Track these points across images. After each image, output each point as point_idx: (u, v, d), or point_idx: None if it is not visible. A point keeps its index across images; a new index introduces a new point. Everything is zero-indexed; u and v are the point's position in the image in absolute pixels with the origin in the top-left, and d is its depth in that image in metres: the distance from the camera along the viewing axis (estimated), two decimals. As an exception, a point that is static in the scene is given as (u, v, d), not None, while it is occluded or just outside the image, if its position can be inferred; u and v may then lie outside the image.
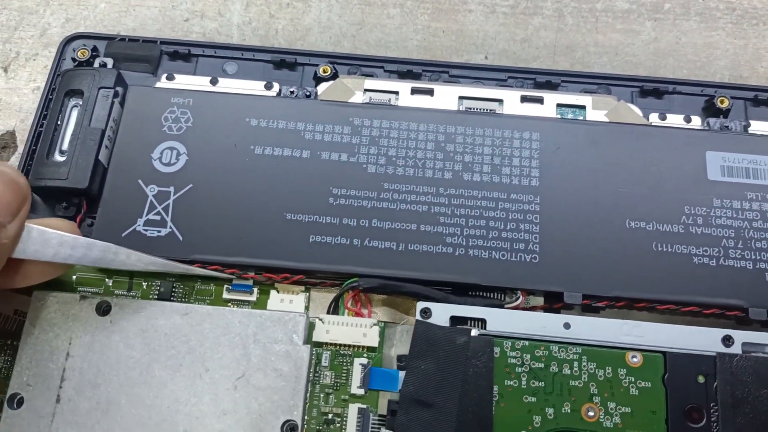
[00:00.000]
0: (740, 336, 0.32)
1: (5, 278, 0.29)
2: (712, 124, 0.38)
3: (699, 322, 0.34)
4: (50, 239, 0.29)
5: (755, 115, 0.39)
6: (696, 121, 0.38)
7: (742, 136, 0.37)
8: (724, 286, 0.34)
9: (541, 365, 0.32)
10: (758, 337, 0.32)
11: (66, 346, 0.32)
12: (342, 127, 0.36)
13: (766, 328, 0.34)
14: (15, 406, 0.31)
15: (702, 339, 0.32)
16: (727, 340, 0.32)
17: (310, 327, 0.33)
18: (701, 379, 0.32)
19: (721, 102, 0.38)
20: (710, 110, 0.39)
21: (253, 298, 0.34)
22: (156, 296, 0.34)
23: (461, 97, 0.38)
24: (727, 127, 0.38)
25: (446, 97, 0.38)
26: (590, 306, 0.34)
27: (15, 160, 0.39)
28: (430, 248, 0.34)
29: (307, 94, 0.38)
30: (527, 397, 0.32)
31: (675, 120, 0.38)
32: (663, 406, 0.31)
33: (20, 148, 0.39)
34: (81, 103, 0.37)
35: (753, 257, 0.34)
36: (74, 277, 0.35)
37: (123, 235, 0.34)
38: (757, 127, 0.38)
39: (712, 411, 0.31)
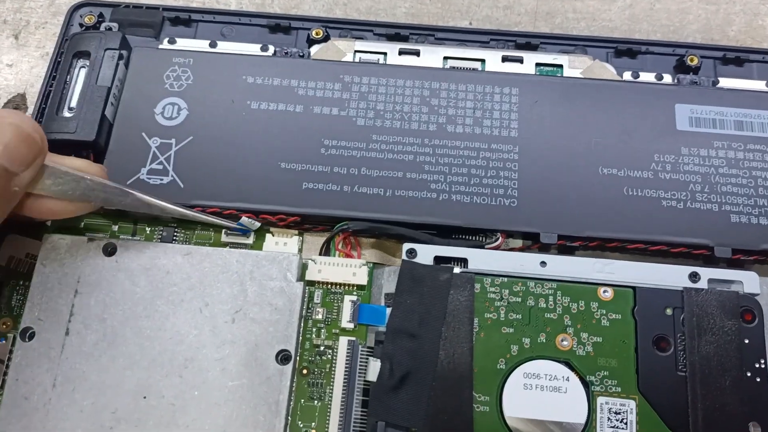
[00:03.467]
0: (706, 273, 0.35)
1: (28, 210, 0.32)
2: (681, 80, 0.40)
3: (667, 261, 0.36)
4: (68, 179, 0.32)
5: (724, 72, 0.41)
6: (667, 79, 0.40)
7: (710, 90, 0.39)
8: (691, 227, 0.36)
9: (519, 299, 0.34)
10: (724, 273, 0.35)
11: (75, 284, 0.34)
12: (333, 83, 0.39)
13: (731, 266, 0.36)
14: (27, 339, 0.34)
15: (670, 275, 0.35)
16: (694, 276, 0.35)
17: (303, 267, 0.35)
18: (669, 311, 0.34)
19: (691, 60, 0.41)
20: (681, 68, 0.41)
21: (250, 241, 0.37)
22: (159, 240, 0.37)
23: (446, 57, 0.41)
24: (696, 82, 0.40)
25: (432, 57, 0.41)
26: (565, 246, 0.36)
27: (26, 119, 0.41)
28: (416, 194, 0.36)
29: (301, 54, 0.40)
30: (505, 328, 0.34)
31: (647, 78, 0.40)
32: (632, 336, 0.34)
33: (30, 109, 0.42)
34: (88, 63, 0.39)
35: (719, 200, 0.36)
36: (82, 223, 0.37)
37: (128, 183, 0.36)
38: (726, 83, 0.40)
39: (678, 340, 0.33)
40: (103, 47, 0.39)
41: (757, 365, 0.33)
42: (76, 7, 0.42)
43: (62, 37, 0.41)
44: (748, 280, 0.34)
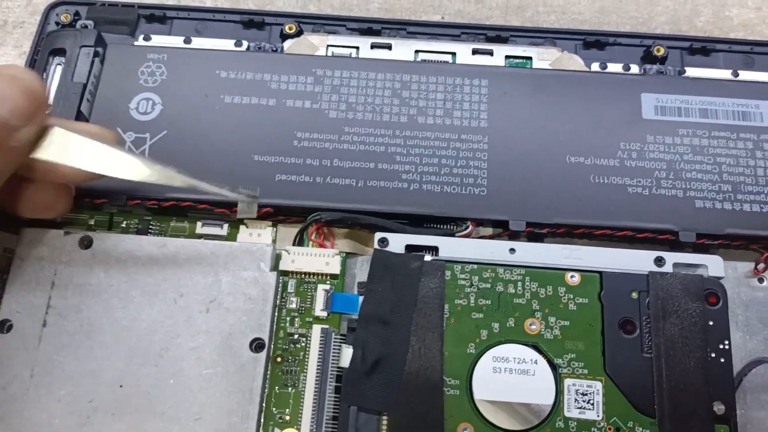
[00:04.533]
0: (672, 257, 0.35)
1: (39, 174, 0.31)
2: (648, 70, 0.41)
3: (633, 247, 0.36)
4: (73, 144, 0.30)
5: (691, 62, 0.42)
6: (635, 69, 0.41)
7: (676, 79, 0.40)
8: (656, 213, 0.36)
9: (488, 286, 0.35)
10: (689, 258, 0.35)
11: (52, 276, 0.35)
12: (305, 77, 0.39)
13: (696, 251, 0.37)
14: (5, 331, 0.34)
15: (636, 260, 0.35)
16: (659, 261, 0.35)
17: (277, 257, 0.36)
18: (635, 295, 0.35)
19: (658, 50, 0.41)
20: (648, 58, 0.42)
21: (224, 232, 0.37)
22: (135, 233, 0.37)
23: (417, 51, 0.42)
24: (663, 72, 0.41)
25: (403, 51, 0.41)
26: (534, 233, 0.37)
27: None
28: (387, 184, 0.37)
29: (274, 49, 0.41)
30: (475, 313, 0.34)
31: (615, 68, 0.41)
32: (599, 320, 0.34)
33: (8, 107, 0.42)
34: (64, 61, 0.39)
35: (683, 186, 0.37)
36: (58, 218, 0.37)
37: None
38: (692, 73, 0.41)
39: (644, 323, 0.34)
40: (79, 44, 0.40)
41: (721, 346, 0.34)
42: (53, 6, 0.43)
43: (39, 36, 0.42)
44: (712, 264, 0.35)
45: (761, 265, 0.36)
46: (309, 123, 0.38)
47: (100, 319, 0.34)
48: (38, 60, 0.40)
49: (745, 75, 0.41)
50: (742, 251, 0.37)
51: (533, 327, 0.34)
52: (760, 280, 0.37)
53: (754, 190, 0.37)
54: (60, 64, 0.40)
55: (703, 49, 0.42)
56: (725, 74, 0.41)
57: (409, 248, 0.36)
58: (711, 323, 0.34)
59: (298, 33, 0.42)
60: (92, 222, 0.38)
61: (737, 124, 0.38)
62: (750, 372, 0.34)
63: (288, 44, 0.41)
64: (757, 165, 0.37)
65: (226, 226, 0.37)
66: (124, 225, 0.38)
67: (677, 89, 0.39)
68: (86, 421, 0.33)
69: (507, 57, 0.41)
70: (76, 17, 0.42)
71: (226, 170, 0.37)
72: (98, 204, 0.37)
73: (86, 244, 0.36)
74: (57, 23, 0.42)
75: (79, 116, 0.38)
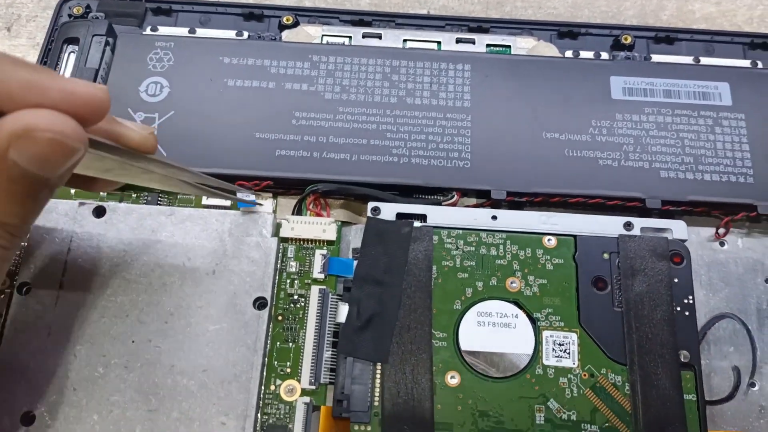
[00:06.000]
0: (639, 222, 0.38)
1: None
2: (616, 56, 0.44)
3: (604, 213, 0.39)
4: (111, 163, 0.28)
5: (656, 50, 0.46)
6: (605, 57, 0.45)
7: (642, 63, 0.44)
8: (624, 182, 0.40)
9: (472, 248, 0.38)
10: (655, 222, 0.39)
11: (67, 243, 0.38)
12: (302, 62, 0.43)
13: (661, 216, 0.40)
14: (23, 293, 0.37)
15: (607, 225, 0.38)
16: (628, 225, 0.38)
17: (277, 226, 0.39)
18: (606, 256, 0.38)
19: (625, 39, 0.45)
20: (617, 47, 0.45)
21: (228, 203, 0.40)
22: (145, 204, 0.40)
23: (405, 40, 0.45)
24: (630, 57, 0.44)
25: (392, 40, 0.45)
26: (514, 202, 0.40)
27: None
28: (379, 158, 0.40)
29: (273, 38, 0.44)
30: (460, 273, 0.37)
31: (586, 56, 0.45)
32: (573, 278, 0.37)
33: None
34: (77, 49, 0.43)
35: (649, 159, 0.40)
36: (72, 191, 0.40)
37: (115, 152, 0.40)
38: (657, 59, 0.45)
39: (615, 281, 0.37)
40: (91, 33, 0.43)
41: (686, 300, 0.37)
42: (65, 0, 0.46)
43: (52, 27, 0.45)
44: (677, 228, 0.38)
45: (722, 230, 0.40)
46: (306, 104, 0.41)
47: (113, 281, 0.37)
48: (52, 49, 0.43)
49: (705, 61, 0.45)
50: (704, 218, 0.40)
51: (514, 285, 0.37)
52: (721, 244, 0.40)
53: (714, 162, 0.40)
54: (73, 52, 0.43)
55: (667, 38, 0.46)
56: (688, 60, 0.45)
57: (400, 216, 0.39)
58: (676, 280, 0.37)
59: (295, 24, 0.45)
60: (104, 194, 0.40)
61: (698, 104, 0.42)
62: (713, 326, 0.38)
63: (286, 34, 0.45)
64: (716, 140, 0.41)
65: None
66: (134, 197, 0.40)
67: (643, 72, 0.43)
68: (100, 374, 0.35)
69: (488, 45, 0.45)
70: (88, 10, 0.45)
71: (230, 147, 0.40)
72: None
73: (99, 213, 0.38)
74: (69, 15, 0.45)
75: (92, 98, 0.41)
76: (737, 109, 0.42)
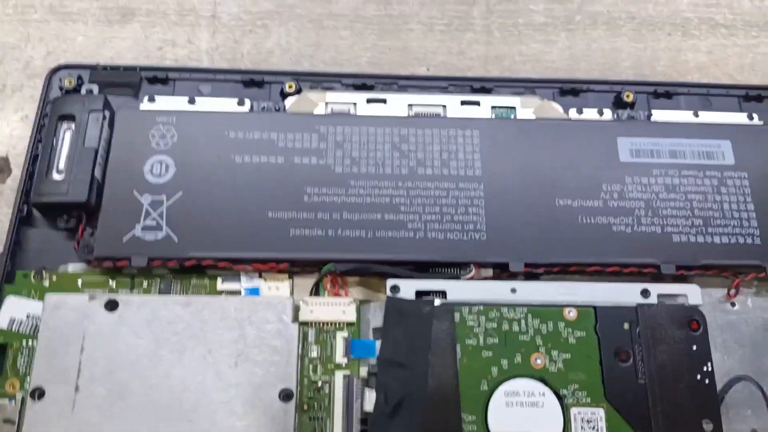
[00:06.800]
0: (655, 288, 0.39)
1: None
2: (620, 115, 0.45)
3: (621, 280, 0.40)
4: None
5: (656, 105, 0.46)
6: (607, 114, 0.45)
7: (646, 123, 0.44)
8: (639, 248, 0.40)
9: (495, 325, 0.38)
10: (670, 288, 0.39)
11: (80, 341, 0.36)
12: (310, 134, 0.42)
13: (676, 281, 0.40)
14: (37, 398, 0.35)
15: (625, 293, 0.39)
16: (645, 293, 0.39)
17: (296, 309, 0.38)
18: (626, 326, 0.38)
19: (627, 96, 0.46)
20: (619, 104, 0.46)
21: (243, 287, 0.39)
22: (157, 293, 0.39)
23: (410, 105, 0.44)
24: (633, 117, 0.45)
25: (397, 104, 0.44)
26: (531, 273, 0.40)
27: (11, 182, 0.43)
28: (394, 233, 0.40)
29: (277, 108, 0.43)
30: (485, 352, 0.37)
31: (590, 113, 0.45)
32: (596, 351, 0.38)
33: (15, 172, 0.43)
34: (73, 126, 0.41)
35: (661, 223, 0.41)
36: (80, 281, 0.39)
37: (124, 240, 0.38)
38: (658, 116, 0.45)
39: (636, 351, 0.38)
40: (87, 109, 0.41)
41: (705, 368, 0.37)
42: (55, 71, 0.44)
43: (43, 101, 0.43)
44: (691, 293, 0.39)
45: (733, 291, 0.41)
46: (317, 178, 0.41)
47: (131, 379, 0.36)
48: (46, 125, 0.41)
49: (704, 115, 0.45)
50: (715, 278, 0.41)
51: (538, 361, 0.37)
52: (732, 304, 0.41)
53: (722, 223, 0.41)
54: (69, 130, 0.41)
55: (666, 93, 0.47)
56: (687, 115, 0.45)
57: (419, 293, 0.38)
58: (694, 348, 0.38)
59: (298, 91, 0.44)
60: (114, 284, 0.39)
61: (703, 163, 0.43)
62: (731, 389, 0.39)
63: (289, 102, 0.44)
64: (722, 200, 0.42)
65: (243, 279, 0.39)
66: (146, 285, 0.39)
67: (648, 133, 0.43)
68: (124, 479, 0.34)
69: (493, 107, 0.45)
70: (80, 81, 0.44)
71: (243, 228, 0.39)
72: (119, 267, 0.38)
73: (111, 307, 0.37)
74: (61, 88, 0.43)
75: (93, 181, 0.40)
76: (740, 168, 0.43)
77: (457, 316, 0.38)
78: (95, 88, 0.43)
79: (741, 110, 0.47)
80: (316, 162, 0.41)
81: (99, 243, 0.38)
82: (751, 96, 0.47)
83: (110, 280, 0.39)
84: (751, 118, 0.46)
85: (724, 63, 0.50)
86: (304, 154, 0.41)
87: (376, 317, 0.39)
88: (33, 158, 0.41)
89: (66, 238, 0.40)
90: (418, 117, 0.44)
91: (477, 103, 0.45)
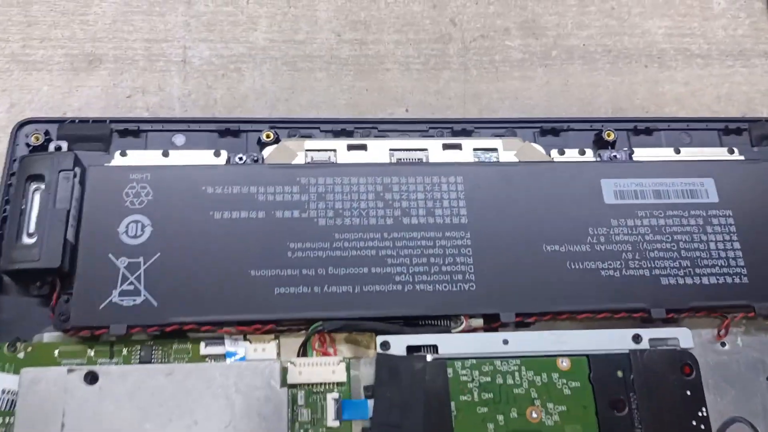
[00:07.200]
0: (647, 333, 0.39)
1: None
2: (603, 156, 0.45)
3: (612, 325, 0.39)
4: None
5: (637, 142, 0.46)
6: (589, 153, 0.45)
7: (628, 164, 0.44)
8: (628, 293, 0.40)
9: (489, 379, 0.37)
10: (661, 332, 0.39)
11: (60, 417, 0.34)
12: (291, 187, 0.41)
13: (666, 324, 0.40)
14: (16, 479, 0.33)
15: (616, 339, 0.39)
16: (637, 338, 0.39)
17: (284, 371, 0.37)
18: (620, 373, 0.38)
19: (608, 135, 0.45)
20: (600, 143, 0.46)
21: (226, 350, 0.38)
22: (138, 361, 0.37)
23: (392, 150, 0.44)
24: (615, 156, 0.44)
25: (379, 150, 0.43)
26: (522, 322, 0.40)
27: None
28: (382, 287, 0.39)
29: (255, 159, 0.42)
30: (480, 408, 0.37)
31: (572, 153, 0.45)
32: (592, 401, 0.37)
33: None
34: (43, 186, 0.39)
35: (649, 266, 0.41)
36: (56, 352, 0.37)
37: (100, 307, 0.37)
38: (639, 153, 0.45)
39: (632, 400, 0.37)
40: (57, 169, 0.39)
41: (700, 413, 0.37)
42: (20, 126, 0.42)
43: (10, 158, 0.41)
44: (682, 337, 0.39)
45: (722, 331, 0.41)
46: (300, 233, 0.40)
47: (115, 455, 0.34)
48: (14, 186, 0.39)
49: (686, 152, 0.45)
50: (705, 318, 0.41)
51: (534, 415, 0.37)
52: (723, 344, 0.41)
53: (709, 263, 0.41)
54: (38, 190, 0.39)
55: (646, 129, 0.46)
56: (669, 152, 0.45)
57: (410, 349, 0.38)
58: (688, 393, 0.37)
59: (275, 140, 0.43)
60: (92, 353, 0.37)
61: (687, 202, 0.43)
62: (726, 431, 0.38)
63: (267, 151, 0.42)
64: (708, 240, 0.42)
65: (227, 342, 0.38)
66: (125, 353, 0.37)
67: (631, 173, 0.43)
68: None
69: (475, 149, 0.44)
70: (47, 137, 0.42)
71: (225, 289, 0.38)
72: (97, 335, 0.37)
73: (91, 379, 0.35)
74: (28, 144, 0.41)
75: (66, 244, 0.38)
76: (724, 206, 0.43)
77: (450, 371, 0.37)
78: (64, 144, 0.41)
79: (721, 144, 0.47)
80: (299, 215, 0.40)
81: (75, 311, 0.37)
82: (730, 129, 0.47)
83: (88, 349, 0.37)
84: (731, 152, 0.46)
85: (701, 94, 0.50)
86: (285, 208, 0.40)
87: (366, 372, 0.38)
88: (1, 221, 0.39)
89: (40, 304, 0.39)
90: (401, 164, 0.43)
91: (459, 147, 0.44)
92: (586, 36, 0.51)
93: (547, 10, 0.50)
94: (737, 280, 0.41)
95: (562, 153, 0.45)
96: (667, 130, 0.47)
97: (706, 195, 0.43)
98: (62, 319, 0.37)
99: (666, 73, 0.51)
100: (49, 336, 0.38)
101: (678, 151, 0.45)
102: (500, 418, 0.36)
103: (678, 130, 0.47)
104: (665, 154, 0.45)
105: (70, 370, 0.35)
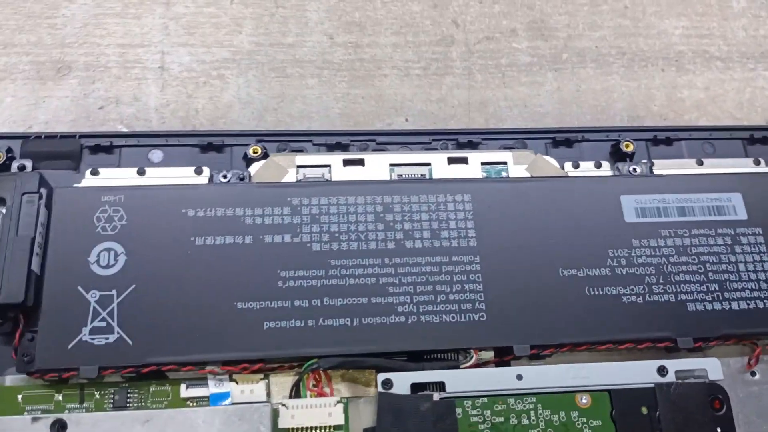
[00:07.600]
0: (673, 365, 0.36)
1: None
2: (621, 169, 0.41)
3: (635, 356, 0.36)
4: None
5: (656, 153, 0.43)
6: (606, 166, 0.41)
7: (650, 178, 0.41)
8: (652, 321, 0.37)
9: (502, 419, 0.34)
10: (688, 363, 0.36)
11: (23, 474, 0.31)
12: (281, 208, 0.37)
13: (694, 354, 0.37)
14: None
15: (640, 372, 0.35)
16: (662, 371, 0.35)
17: (275, 414, 0.33)
18: (645, 410, 0.35)
19: (627, 146, 0.42)
20: (617, 154, 0.42)
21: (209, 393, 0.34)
22: (111, 405, 0.34)
23: (392, 165, 0.40)
24: (635, 169, 0.41)
25: (377, 165, 0.40)
26: (537, 354, 0.36)
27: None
28: (383, 319, 0.35)
29: (241, 176, 0.38)
30: (493, 452, 0.33)
31: (587, 166, 0.41)
32: (615, 441, 0.34)
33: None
34: (4, 212, 0.35)
35: (674, 290, 0.37)
36: (20, 396, 0.33)
37: (69, 347, 0.33)
38: (660, 165, 0.42)
39: (658, 439, 0.34)
40: (20, 191, 0.35)
41: (731, 452, 0.34)
42: (-21, 142, 0.38)
43: (-33, 180, 0.37)
44: (711, 368, 0.36)
45: (753, 360, 0.37)
46: (292, 259, 0.36)
47: None
48: (-29, 211, 0.35)
49: (709, 163, 0.42)
50: (732, 346, 0.38)
51: (553, 460, 0.33)
52: (753, 374, 0.38)
53: (738, 287, 0.38)
54: (-1, 215, 0.35)
55: (666, 139, 0.43)
56: (691, 164, 0.42)
57: (415, 387, 0.34)
58: (719, 430, 0.34)
59: (264, 155, 0.39)
60: (60, 398, 0.33)
61: (714, 219, 0.39)
62: (759, 472, 0.35)
63: (254, 168, 0.39)
64: (737, 261, 0.38)
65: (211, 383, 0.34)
66: (98, 396, 0.34)
67: (653, 188, 0.40)
68: None
69: (483, 163, 0.40)
70: (10, 155, 0.38)
71: (209, 324, 0.34)
72: (66, 377, 0.33)
73: (59, 428, 0.32)
74: (-12, 162, 0.38)
75: (30, 276, 0.34)
76: (753, 223, 0.39)
77: (459, 411, 0.34)
78: (29, 163, 0.37)
79: (746, 154, 0.43)
80: (290, 240, 0.36)
81: (40, 352, 0.33)
82: (756, 138, 0.44)
83: (56, 394, 0.34)
84: (757, 162, 0.43)
85: (722, 99, 0.46)
86: (275, 232, 0.36)
87: (365, 413, 0.35)
88: (-42, 251, 0.35)
89: (1, 343, 0.35)
90: (402, 180, 0.39)
91: (465, 160, 0.40)
92: (599, 37, 0.47)
93: (557, 9, 0.47)
94: (769, 305, 0.37)
95: (576, 166, 0.41)
96: (689, 139, 0.43)
97: (733, 211, 0.40)
98: (26, 361, 0.33)
99: (684, 77, 0.47)
100: (11, 379, 0.34)
101: (701, 163, 0.42)
102: (515, 463, 0.33)
103: (700, 140, 0.44)
104: (687, 166, 0.42)
105: (35, 419, 0.32)
